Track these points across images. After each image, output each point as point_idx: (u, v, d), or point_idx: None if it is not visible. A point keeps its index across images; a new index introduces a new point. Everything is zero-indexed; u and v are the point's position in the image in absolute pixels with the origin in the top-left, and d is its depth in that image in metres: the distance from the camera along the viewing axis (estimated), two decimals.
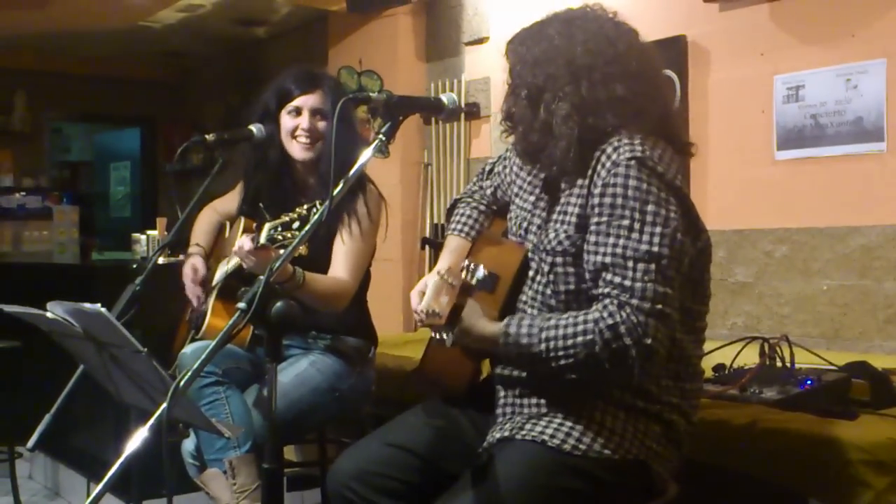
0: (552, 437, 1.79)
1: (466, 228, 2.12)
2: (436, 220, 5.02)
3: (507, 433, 1.84)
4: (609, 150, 1.80)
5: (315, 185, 2.72)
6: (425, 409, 2.07)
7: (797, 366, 2.52)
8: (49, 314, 1.81)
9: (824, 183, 3.35)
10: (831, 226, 3.32)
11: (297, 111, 2.71)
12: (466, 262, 1.89)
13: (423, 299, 1.91)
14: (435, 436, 1.99)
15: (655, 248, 1.73)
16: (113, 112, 8.07)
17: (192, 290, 2.83)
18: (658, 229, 1.74)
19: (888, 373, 2.50)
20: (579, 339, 1.75)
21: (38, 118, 7.65)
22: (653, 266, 1.73)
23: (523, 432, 1.82)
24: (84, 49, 7.16)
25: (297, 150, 2.70)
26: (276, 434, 1.89)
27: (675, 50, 3.72)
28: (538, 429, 1.81)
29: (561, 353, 1.76)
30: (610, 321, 1.72)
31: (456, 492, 1.82)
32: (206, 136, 2.69)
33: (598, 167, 1.81)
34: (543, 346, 1.78)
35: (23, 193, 7.02)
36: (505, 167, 2.15)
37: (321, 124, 2.70)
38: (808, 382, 2.37)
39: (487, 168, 2.23)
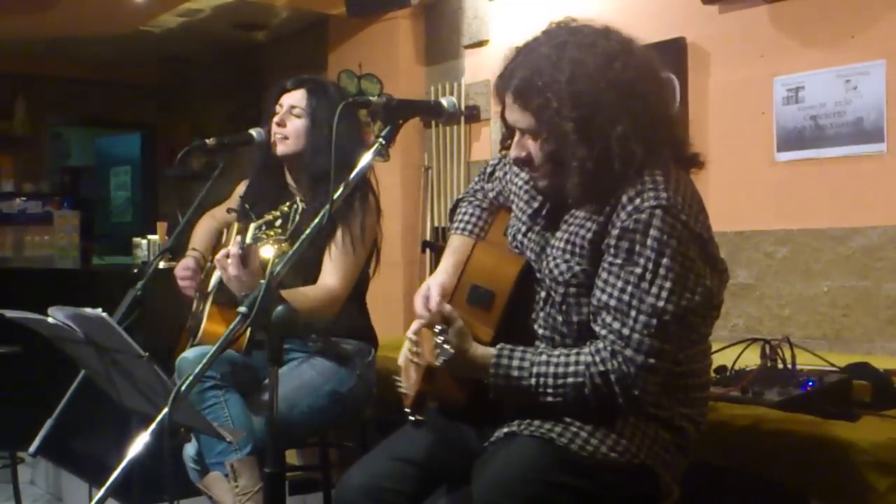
0: (560, 435, 1.79)
1: (469, 227, 2.10)
2: (436, 224, 5.02)
3: (514, 428, 1.84)
4: (632, 191, 1.76)
5: (302, 185, 2.74)
6: (430, 419, 2.06)
7: (798, 367, 2.51)
8: (50, 319, 1.81)
9: (825, 184, 3.35)
10: (832, 227, 3.32)
11: (279, 108, 2.76)
12: (440, 338, 1.83)
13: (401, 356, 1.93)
14: (441, 446, 1.99)
15: (661, 304, 1.72)
16: (113, 117, 8.07)
17: (183, 285, 2.83)
18: (668, 284, 1.72)
19: (890, 374, 2.49)
20: (570, 380, 1.76)
21: (39, 123, 7.65)
22: (654, 321, 1.72)
23: (531, 428, 1.82)
24: (84, 54, 7.16)
25: (276, 145, 2.75)
26: (278, 438, 1.89)
27: (674, 52, 3.72)
28: (546, 426, 1.81)
29: (550, 390, 1.78)
30: (601, 367, 1.73)
31: (461, 485, 1.82)
32: (207, 141, 2.72)
33: (619, 207, 1.77)
34: (533, 381, 1.79)
35: (24, 199, 7.03)
36: (505, 174, 2.13)
37: (296, 120, 2.75)
38: (810, 384, 2.36)
39: (489, 170, 2.20)
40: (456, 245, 2.07)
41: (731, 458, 2.24)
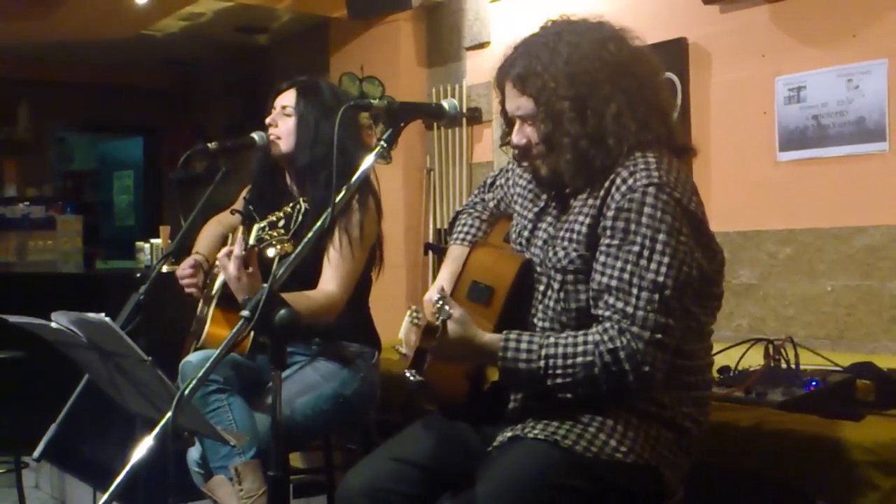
0: (564, 437, 1.79)
1: (469, 237, 2.12)
2: (439, 226, 5.02)
3: (517, 432, 1.84)
4: (625, 173, 1.80)
5: (302, 185, 2.74)
6: (432, 421, 2.06)
7: (802, 367, 2.52)
8: (54, 324, 1.82)
9: (827, 184, 3.34)
10: (835, 226, 3.32)
11: (273, 110, 2.79)
12: (439, 302, 1.83)
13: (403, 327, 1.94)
14: (442, 447, 1.99)
15: (661, 279, 1.74)
16: (116, 121, 8.09)
17: (185, 283, 2.82)
18: (666, 259, 1.74)
19: (893, 373, 2.49)
20: (579, 359, 1.76)
21: (42, 128, 7.67)
22: (656, 296, 1.74)
23: (535, 431, 1.82)
24: (87, 58, 7.18)
25: (272, 146, 2.76)
26: (282, 441, 1.89)
27: (676, 52, 3.71)
28: (550, 429, 1.81)
29: (559, 371, 1.78)
30: (610, 345, 1.74)
31: (464, 489, 1.82)
32: (209, 144, 2.73)
33: (613, 189, 1.80)
34: (542, 363, 1.79)
35: (27, 203, 7.03)
36: (507, 179, 2.15)
37: (287, 119, 2.76)
38: (813, 384, 2.36)
39: (489, 181, 2.24)
40: (455, 255, 2.09)
41: (735, 459, 2.24)
